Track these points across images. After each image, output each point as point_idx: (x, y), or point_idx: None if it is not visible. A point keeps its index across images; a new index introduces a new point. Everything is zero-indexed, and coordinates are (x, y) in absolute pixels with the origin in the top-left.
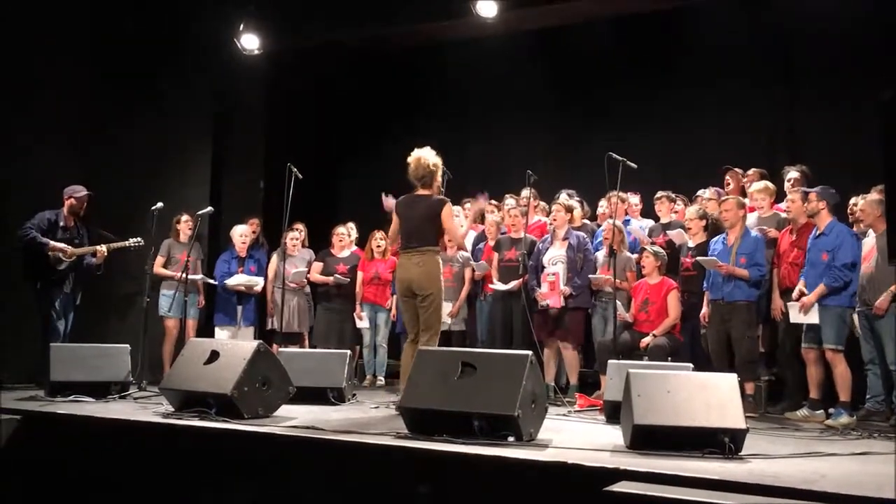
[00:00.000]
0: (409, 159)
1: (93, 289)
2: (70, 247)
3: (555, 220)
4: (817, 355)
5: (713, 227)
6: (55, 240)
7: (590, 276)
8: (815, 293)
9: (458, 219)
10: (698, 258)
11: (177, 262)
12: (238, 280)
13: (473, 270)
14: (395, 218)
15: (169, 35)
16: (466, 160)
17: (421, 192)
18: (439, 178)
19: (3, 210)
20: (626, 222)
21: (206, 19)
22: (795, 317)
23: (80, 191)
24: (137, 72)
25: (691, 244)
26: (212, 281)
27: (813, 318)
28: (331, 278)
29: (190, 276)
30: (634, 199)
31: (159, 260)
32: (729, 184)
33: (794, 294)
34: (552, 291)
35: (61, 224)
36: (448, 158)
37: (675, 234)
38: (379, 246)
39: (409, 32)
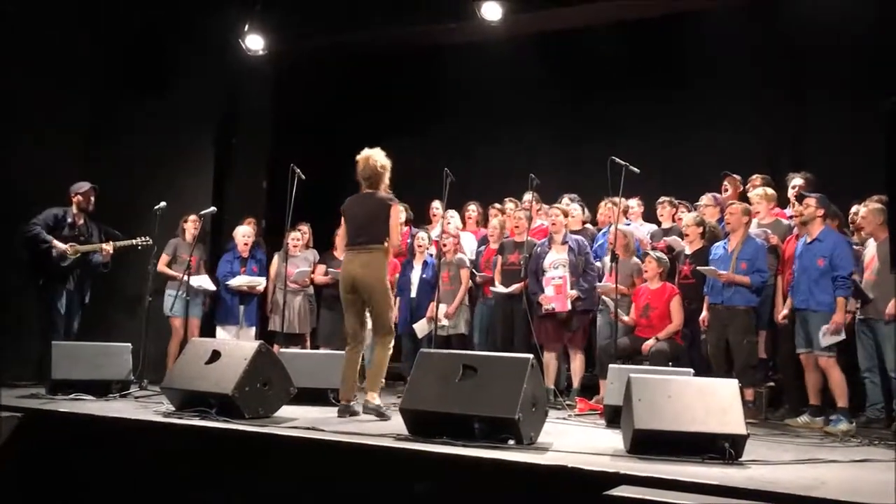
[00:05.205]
0: (358, 158)
1: (99, 287)
2: (73, 245)
3: (554, 224)
4: (814, 360)
5: (710, 235)
6: (61, 236)
7: (597, 284)
8: (840, 310)
9: (454, 220)
10: (698, 268)
11: (182, 262)
12: (240, 280)
13: (472, 273)
14: (343, 219)
15: (174, 35)
16: (470, 163)
17: (367, 190)
18: (387, 180)
19: (7, 207)
20: (626, 226)
21: (211, 20)
22: (829, 340)
23: (84, 186)
24: (142, 71)
25: (688, 251)
26: (210, 287)
27: (842, 335)
28: (328, 276)
29: (192, 279)
30: (632, 203)
31: (164, 258)
32: (727, 189)
33: (779, 318)
34: (558, 295)
35: (69, 221)
36: (452, 161)
37: (671, 240)
38: None
39: (413, 35)
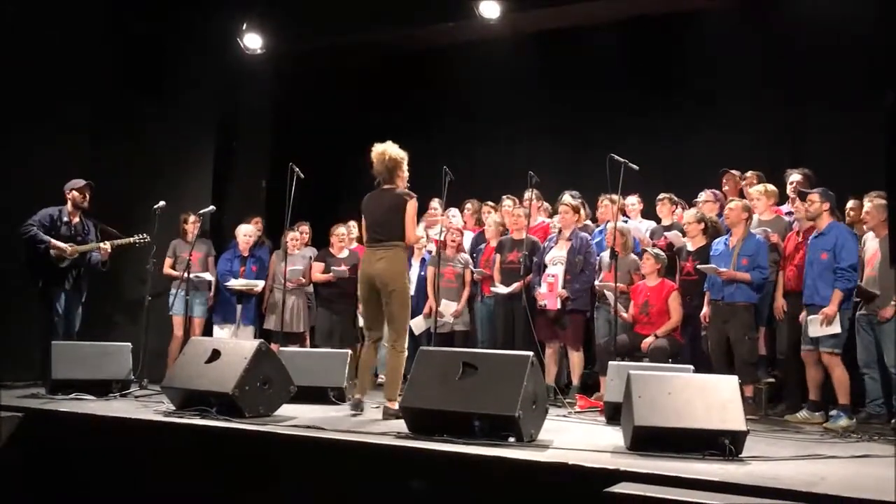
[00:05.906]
0: (372, 154)
1: (98, 287)
2: (72, 245)
3: (563, 219)
4: (817, 357)
5: (712, 230)
6: (58, 236)
7: (596, 283)
8: (834, 302)
9: (455, 219)
10: (699, 266)
11: (182, 261)
12: (238, 283)
13: (472, 272)
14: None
15: (174, 35)
16: (470, 161)
17: (385, 186)
18: (404, 173)
19: (6, 208)
20: (624, 223)
21: (211, 20)
22: (817, 331)
23: (79, 182)
24: (142, 72)
25: (691, 248)
26: (209, 278)
27: (835, 328)
28: (329, 274)
29: (195, 274)
30: (632, 200)
31: (167, 262)
32: (726, 186)
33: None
34: (550, 293)
35: (65, 220)
36: (451, 159)
37: (672, 236)
38: None
39: (412, 34)
